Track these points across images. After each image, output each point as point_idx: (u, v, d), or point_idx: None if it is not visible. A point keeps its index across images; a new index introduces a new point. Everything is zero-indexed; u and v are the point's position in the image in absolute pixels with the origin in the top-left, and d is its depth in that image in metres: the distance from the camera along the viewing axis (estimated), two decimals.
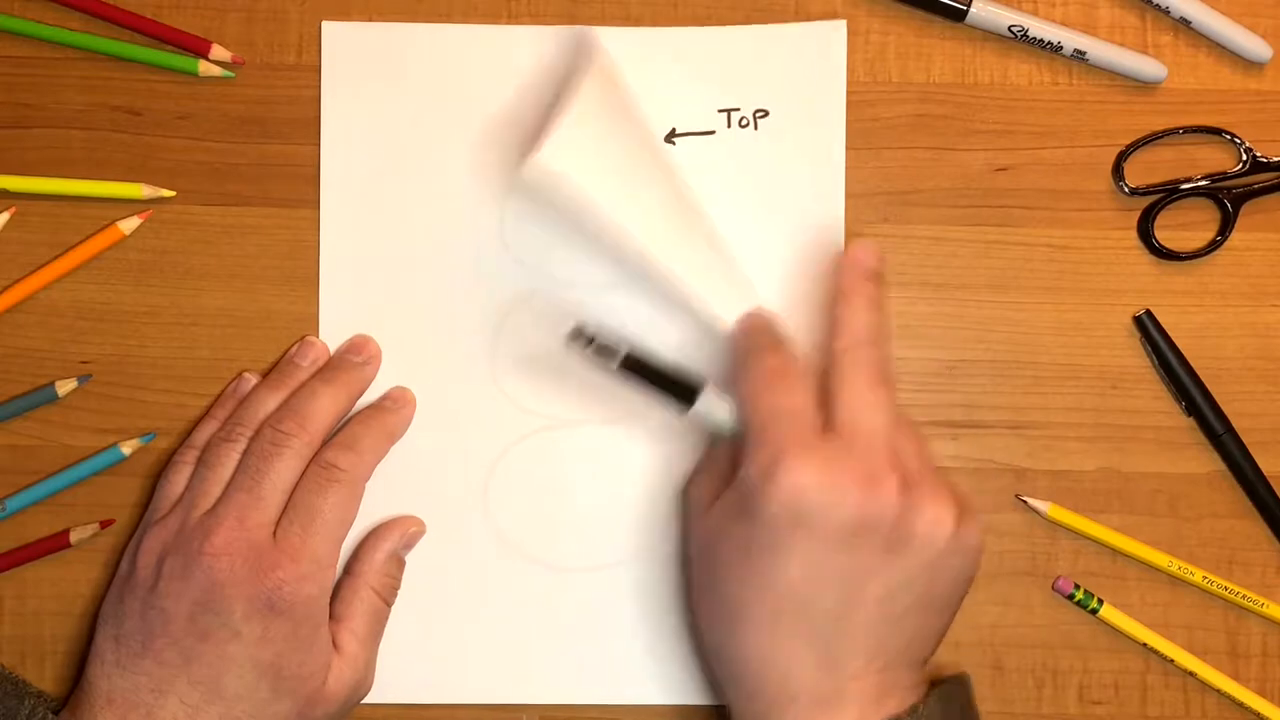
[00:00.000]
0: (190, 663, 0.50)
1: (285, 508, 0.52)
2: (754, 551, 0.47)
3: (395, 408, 0.56)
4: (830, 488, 0.46)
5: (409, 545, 0.55)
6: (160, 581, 0.51)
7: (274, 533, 0.52)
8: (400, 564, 0.55)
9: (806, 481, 0.46)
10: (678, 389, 0.51)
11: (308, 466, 0.53)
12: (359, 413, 0.55)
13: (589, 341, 0.51)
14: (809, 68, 0.57)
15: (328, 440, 0.54)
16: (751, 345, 0.51)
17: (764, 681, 0.48)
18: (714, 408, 0.51)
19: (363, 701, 0.55)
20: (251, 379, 0.56)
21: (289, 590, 0.50)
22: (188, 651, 0.50)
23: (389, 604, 0.55)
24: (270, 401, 0.54)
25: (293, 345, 0.56)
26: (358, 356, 0.56)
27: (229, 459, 0.53)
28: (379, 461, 0.55)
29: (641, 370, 0.51)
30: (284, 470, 0.52)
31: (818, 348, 0.53)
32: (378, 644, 0.55)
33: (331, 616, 0.53)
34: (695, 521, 0.52)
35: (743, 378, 0.50)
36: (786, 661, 0.47)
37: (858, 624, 0.47)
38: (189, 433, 0.56)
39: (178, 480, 0.54)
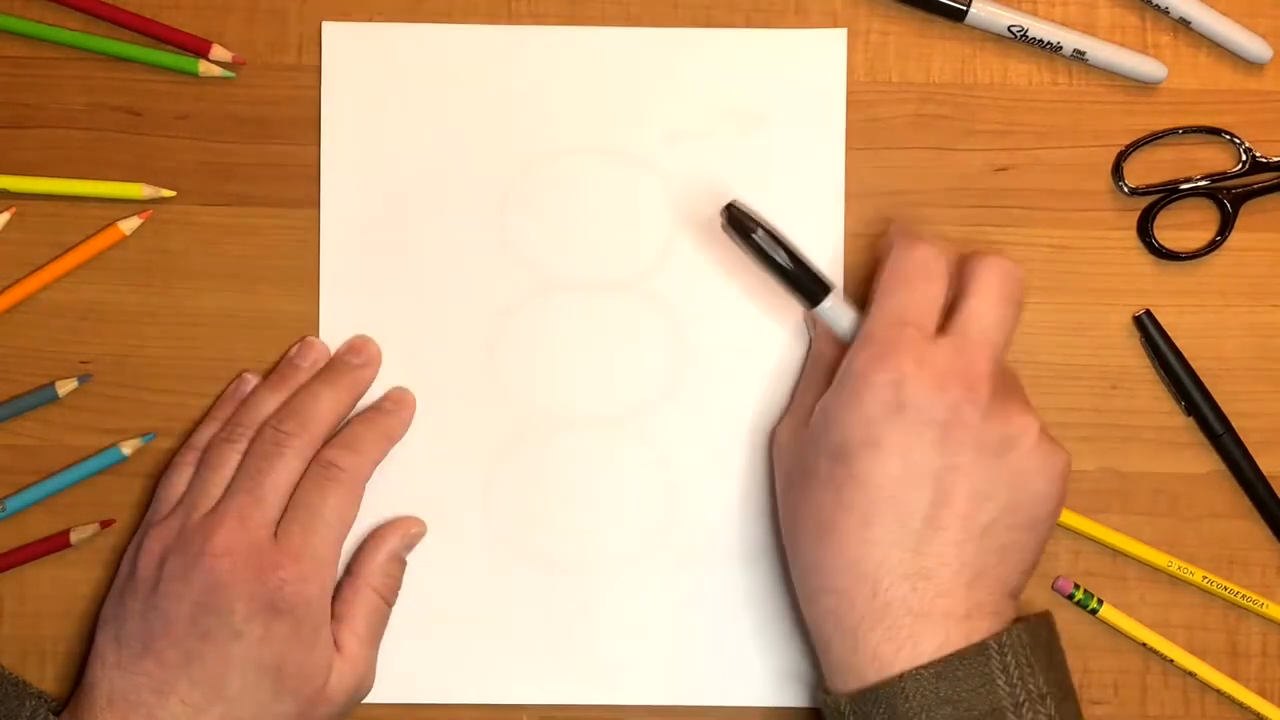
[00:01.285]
0: (192, 663, 0.50)
1: (286, 508, 0.52)
2: (850, 450, 0.48)
3: (395, 409, 0.56)
4: (930, 385, 0.47)
5: (410, 545, 0.55)
6: (161, 583, 0.51)
7: (275, 533, 0.52)
8: (401, 564, 0.55)
9: (911, 372, 0.47)
10: (809, 282, 0.52)
11: (308, 466, 0.53)
12: (360, 413, 0.55)
13: (735, 219, 0.52)
14: (809, 73, 0.57)
15: (328, 440, 0.54)
16: (902, 242, 0.52)
17: (854, 593, 0.47)
18: (840, 312, 0.52)
19: (363, 701, 0.55)
20: (252, 379, 0.56)
21: (290, 590, 0.50)
22: (189, 652, 0.50)
23: (390, 604, 0.55)
24: (271, 402, 0.54)
25: (293, 346, 0.56)
26: (357, 358, 0.56)
27: (230, 460, 0.53)
28: (379, 461, 0.55)
29: (779, 252, 0.52)
30: (285, 471, 0.52)
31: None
32: (378, 644, 0.54)
33: (332, 617, 0.53)
34: (784, 451, 0.52)
35: (886, 268, 0.51)
36: (877, 570, 0.47)
37: (948, 531, 0.47)
38: (190, 433, 0.56)
39: (178, 481, 0.54)
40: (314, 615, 0.51)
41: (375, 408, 0.56)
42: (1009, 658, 0.47)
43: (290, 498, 0.52)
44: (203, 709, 0.50)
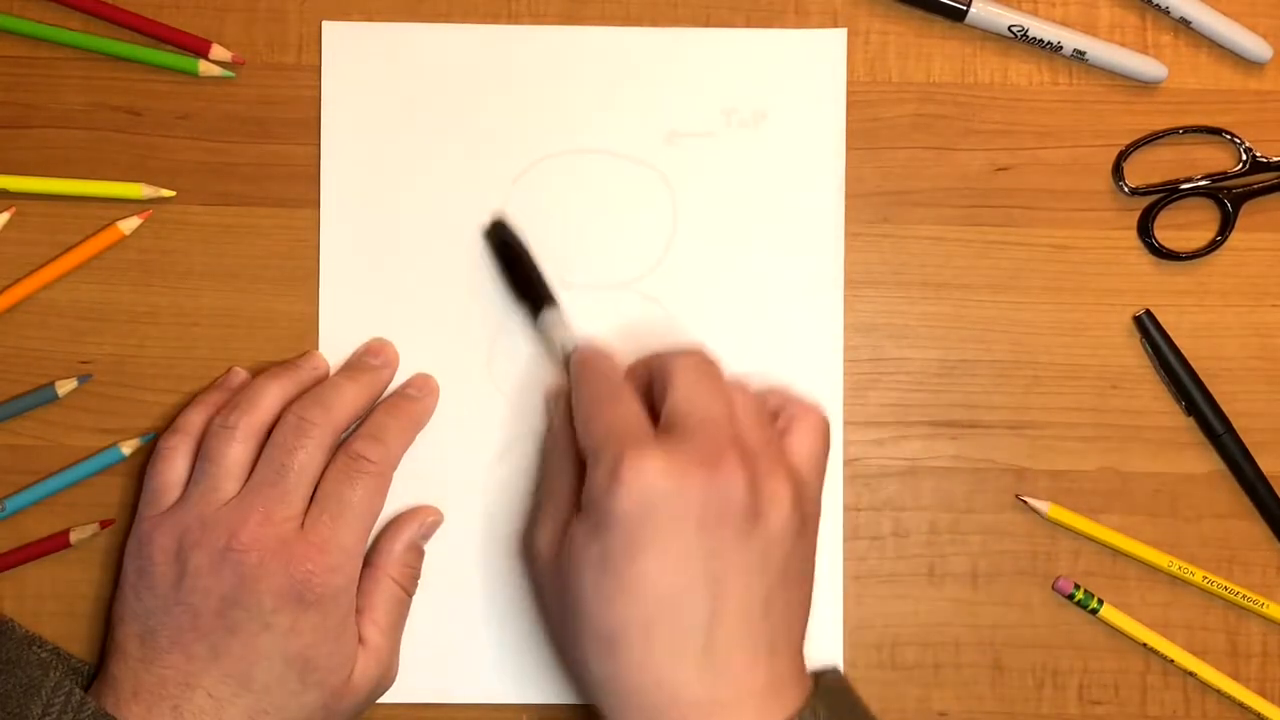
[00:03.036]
0: (220, 657, 0.50)
1: (312, 499, 0.52)
2: (613, 562, 0.46)
3: (420, 395, 0.56)
4: (675, 474, 0.46)
5: (428, 535, 0.55)
6: (186, 577, 0.50)
7: (301, 524, 0.51)
8: (420, 553, 0.55)
9: (651, 473, 0.46)
10: (534, 294, 0.54)
11: (335, 458, 0.53)
12: (384, 402, 0.55)
13: (495, 228, 0.55)
14: (809, 73, 0.57)
15: (351, 432, 0.54)
16: (579, 376, 0.51)
17: (653, 705, 0.46)
18: (558, 328, 0.53)
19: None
20: (243, 373, 0.56)
21: (318, 582, 0.50)
22: (217, 646, 0.50)
23: (410, 594, 0.55)
24: (272, 390, 0.54)
25: (296, 358, 0.56)
26: (375, 359, 0.56)
27: (232, 449, 0.52)
28: (405, 451, 0.55)
29: (509, 258, 0.54)
30: (308, 462, 0.52)
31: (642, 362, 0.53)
32: (400, 635, 0.54)
33: None
34: (544, 566, 0.50)
35: (576, 407, 0.50)
36: (671, 676, 0.46)
37: (730, 618, 0.46)
38: (173, 418, 0.55)
39: (169, 470, 0.53)
40: (341, 606, 0.51)
41: (400, 394, 0.56)
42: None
43: (316, 488, 0.52)
44: (230, 701, 0.50)
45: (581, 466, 0.49)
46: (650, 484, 0.46)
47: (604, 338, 0.56)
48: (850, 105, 0.57)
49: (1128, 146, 0.57)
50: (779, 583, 0.47)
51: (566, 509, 0.50)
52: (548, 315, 0.54)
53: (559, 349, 0.54)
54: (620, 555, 0.46)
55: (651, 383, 0.50)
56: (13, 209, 0.56)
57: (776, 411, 0.51)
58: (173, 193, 0.56)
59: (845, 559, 0.56)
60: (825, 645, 0.56)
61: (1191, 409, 0.56)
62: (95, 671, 0.53)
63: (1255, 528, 0.57)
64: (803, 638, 0.49)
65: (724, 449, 0.47)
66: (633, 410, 0.49)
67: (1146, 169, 0.57)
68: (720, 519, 0.46)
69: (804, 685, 0.48)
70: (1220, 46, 0.57)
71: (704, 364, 0.50)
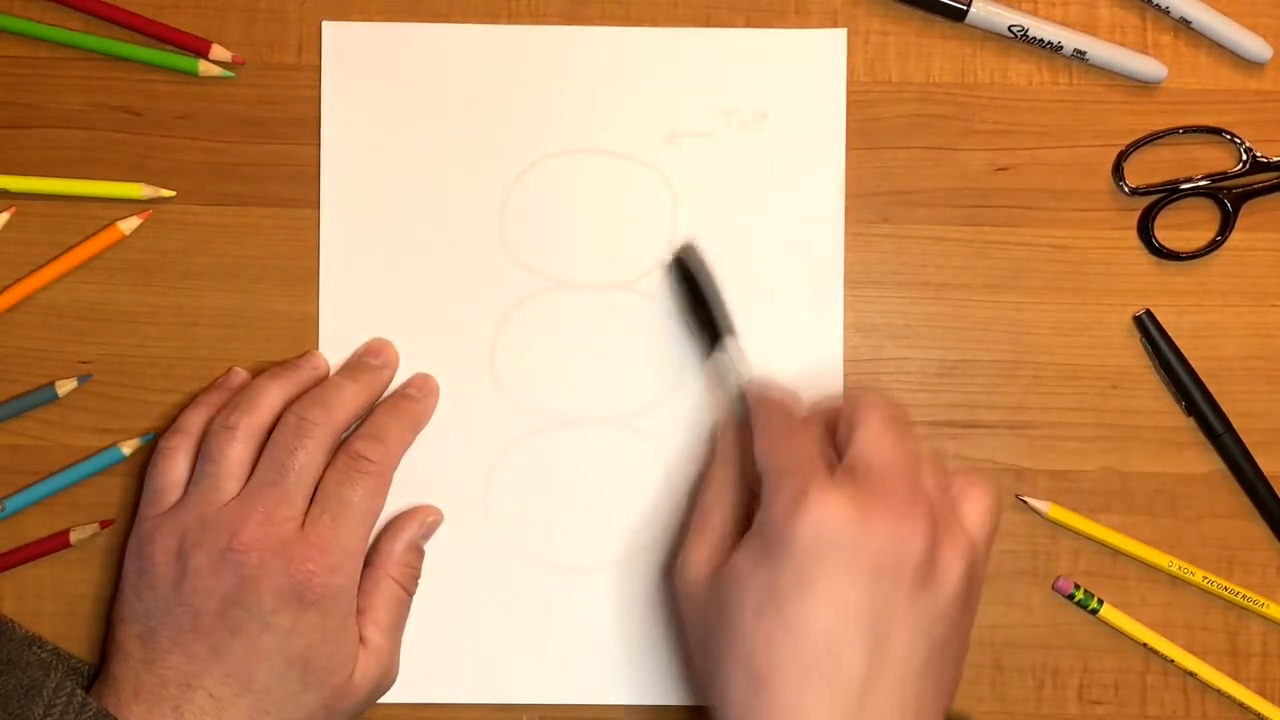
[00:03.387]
0: (220, 657, 0.50)
1: (313, 499, 0.52)
2: (781, 595, 0.45)
3: (420, 395, 0.56)
4: (861, 517, 0.45)
5: (428, 534, 0.55)
6: (187, 578, 0.50)
7: (302, 524, 0.51)
8: (420, 553, 0.55)
9: (835, 508, 0.45)
10: (714, 325, 0.54)
11: (336, 458, 0.53)
12: (384, 402, 0.55)
13: (682, 257, 0.55)
14: (809, 73, 0.57)
15: (351, 432, 0.54)
16: (762, 405, 0.51)
17: None
18: (735, 360, 0.53)
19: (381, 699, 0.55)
20: (243, 373, 0.56)
21: (319, 582, 0.50)
22: (218, 646, 0.50)
23: (410, 594, 0.55)
24: (273, 390, 0.54)
25: (296, 359, 0.56)
26: (375, 359, 0.56)
27: (233, 449, 0.52)
28: (405, 451, 0.55)
29: (693, 286, 0.54)
30: (309, 462, 0.52)
31: (828, 400, 0.52)
32: (401, 635, 0.54)
33: None
34: (696, 588, 0.49)
35: (758, 436, 0.49)
36: None
37: (888, 677, 0.45)
38: (174, 418, 0.55)
39: (170, 470, 0.53)
40: (341, 607, 0.51)
41: (400, 394, 0.56)
42: None
43: (316, 488, 0.52)
44: (230, 701, 0.50)
45: (746, 499, 0.49)
46: (834, 519, 0.45)
47: (604, 338, 0.56)
48: (850, 105, 0.57)
49: (1128, 146, 0.57)
50: (939, 650, 0.46)
51: (723, 536, 0.49)
52: (726, 349, 0.54)
53: (732, 383, 0.53)
54: (790, 590, 0.45)
55: (835, 425, 0.49)
56: (13, 209, 0.56)
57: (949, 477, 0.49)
58: (173, 193, 0.56)
59: None
60: None
61: (1191, 409, 0.56)
62: (95, 672, 0.53)
63: (1255, 528, 0.57)
64: (951, 699, 0.48)
65: (909, 502, 0.46)
66: (817, 444, 0.48)
67: (1146, 169, 0.57)
68: (896, 573, 0.45)
69: None
70: (1220, 46, 0.57)
71: (894, 412, 0.48)
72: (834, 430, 0.49)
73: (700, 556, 0.50)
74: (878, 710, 0.45)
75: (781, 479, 0.47)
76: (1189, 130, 0.57)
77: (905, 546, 0.45)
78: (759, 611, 0.45)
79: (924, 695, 0.46)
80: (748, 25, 0.57)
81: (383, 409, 0.55)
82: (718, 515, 0.51)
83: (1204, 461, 0.57)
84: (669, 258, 0.56)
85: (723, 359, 0.54)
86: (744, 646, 0.46)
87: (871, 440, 0.47)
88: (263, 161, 0.57)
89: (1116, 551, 0.56)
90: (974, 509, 0.48)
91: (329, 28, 0.57)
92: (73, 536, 0.56)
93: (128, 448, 0.56)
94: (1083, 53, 0.56)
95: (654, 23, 0.57)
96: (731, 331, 0.54)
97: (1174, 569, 0.56)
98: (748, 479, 0.51)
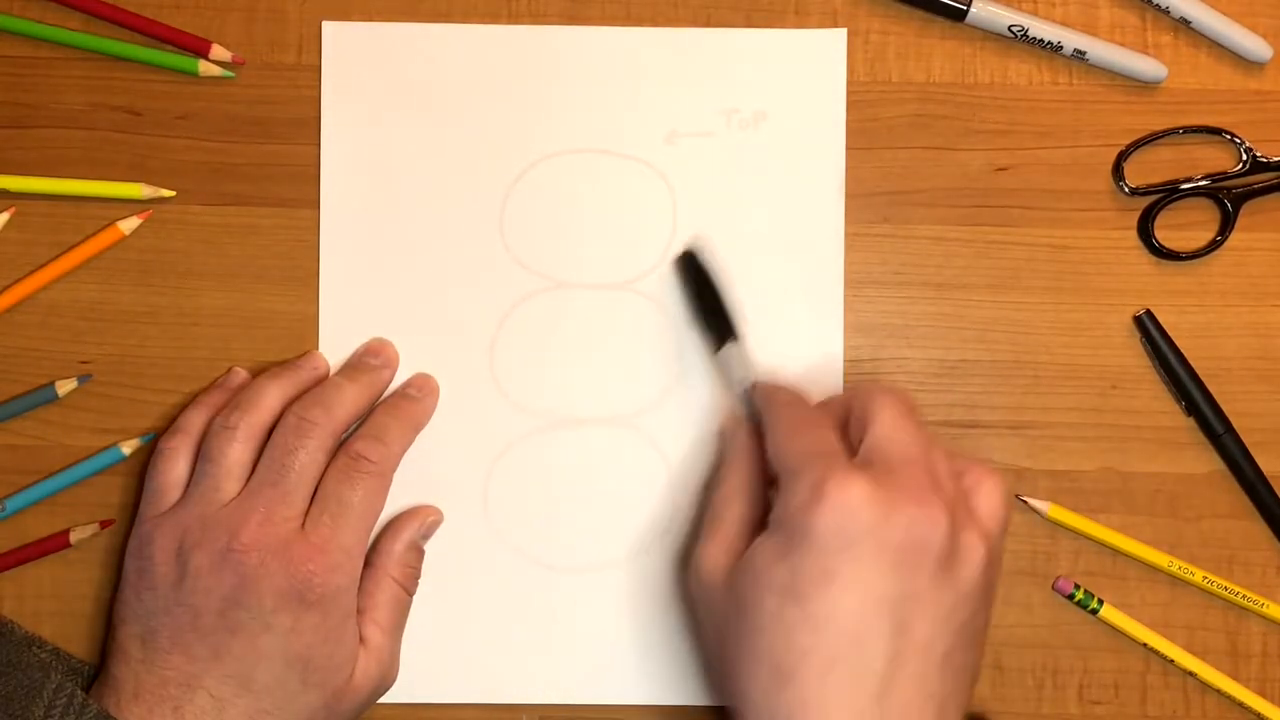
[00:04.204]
0: (220, 657, 0.50)
1: (313, 499, 0.52)
2: (802, 588, 0.44)
3: (420, 395, 0.56)
4: (881, 502, 0.45)
5: (428, 534, 0.55)
6: (187, 578, 0.50)
7: (302, 524, 0.51)
8: (420, 553, 0.55)
9: (857, 496, 0.45)
10: (721, 325, 0.54)
11: (336, 458, 0.53)
12: (384, 402, 0.55)
13: (690, 255, 0.56)
14: (809, 73, 0.57)
15: (351, 432, 0.54)
16: (772, 403, 0.51)
17: None
18: (741, 361, 0.53)
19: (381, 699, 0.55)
20: (243, 373, 0.56)
21: (319, 582, 0.50)
22: (218, 646, 0.50)
23: (410, 594, 0.55)
24: (273, 391, 0.54)
25: (296, 359, 0.56)
26: (375, 359, 0.56)
27: (233, 449, 0.52)
28: (405, 451, 0.55)
29: (700, 285, 0.55)
30: (309, 463, 0.52)
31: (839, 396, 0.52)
32: (401, 635, 0.54)
33: None
34: (711, 586, 0.48)
35: (770, 431, 0.49)
36: (840, 717, 0.44)
37: (910, 667, 0.45)
38: (174, 418, 0.55)
39: (170, 470, 0.53)
40: (341, 607, 0.51)
41: (400, 394, 0.56)
42: None
43: (316, 488, 0.52)
44: (230, 701, 0.50)
45: (758, 498, 0.49)
46: (856, 506, 0.45)
47: (604, 338, 0.56)
48: (850, 105, 0.57)
49: (1128, 146, 0.57)
50: (958, 641, 0.46)
51: (737, 534, 0.49)
52: (732, 348, 0.54)
53: (739, 382, 0.53)
54: (811, 580, 0.45)
55: (847, 418, 0.49)
56: (13, 209, 0.56)
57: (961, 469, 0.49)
58: (173, 193, 0.56)
59: None
60: None
61: (1191, 409, 0.56)
62: (95, 672, 0.53)
63: (1255, 528, 0.57)
64: (969, 699, 0.47)
65: (928, 489, 0.46)
66: (832, 436, 0.48)
67: (1146, 169, 0.57)
68: (918, 560, 0.45)
69: None
70: (1220, 46, 0.57)
71: (906, 403, 0.49)
72: (845, 424, 0.49)
73: (714, 555, 0.49)
74: (901, 702, 0.44)
75: (799, 470, 0.46)
76: (1189, 130, 0.57)
77: (927, 533, 0.45)
78: (780, 605, 0.45)
79: (945, 689, 0.45)
80: (748, 25, 0.57)
81: (383, 409, 0.55)
82: (730, 514, 0.50)
83: (1204, 461, 0.57)
84: (678, 252, 0.56)
85: (729, 358, 0.54)
86: (765, 641, 0.45)
87: (887, 431, 0.47)
88: (263, 161, 0.57)
89: (1116, 551, 0.56)
90: (988, 501, 0.48)
91: (329, 28, 0.57)
92: (73, 536, 0.56)
93: (128, 448, 0.56)
94: (1083, 53, 0.56)
95: (654, 23, 0.57)
96: (739, 331, 0.54)
97: (1174, 569, 0.56)
98: (759, 478, 0.51)
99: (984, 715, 0.50)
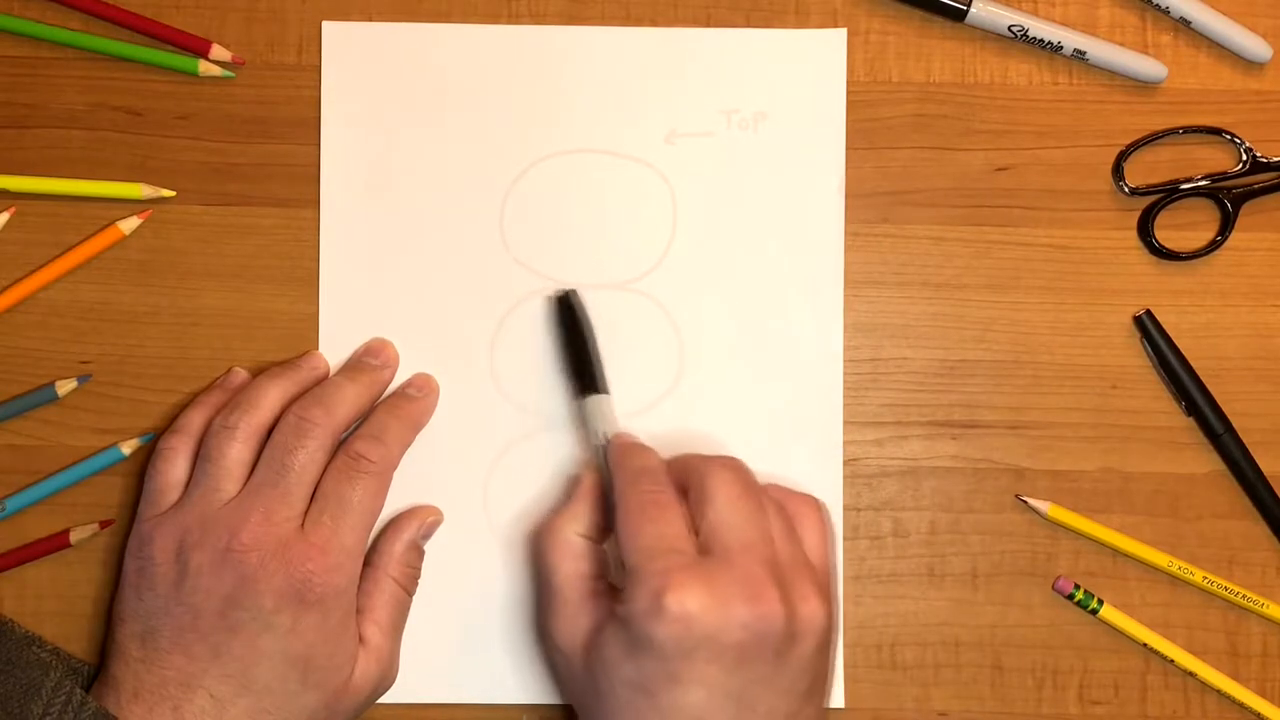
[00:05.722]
0: (220, 657, 0.50)
1: (313, 499, 0.52)
2: (650, 685, 0.47)
3: (420, 395, 0.56)
4: (718, 608, 0.46)
5: (428, 534, 0.55)
6: (187, 578, 0.50)
7: (301, 524, 0.51)
8: (420, 553, 0.55)
9: (693, 608, 0.46)
10: (586, 377, 0.54)
11: (335, 458, 0.53)
12: (384, 402, 0.55)
13: (566, 298, 0.55)
14: (809, 73, 0.57)
15: (351, 432, 0.54)
16: (624, 472, 0.51)
17: None
18: (599, 415, 0.54)
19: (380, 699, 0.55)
20: (243, 373, 0.56)
21: (319, 582, 0.50)
22: (218, 646, 0.50)
23: (410, 594, 0.55)
24: (273, 390, 0.54)
25: (296, 359, 0.56)
26: (375, 359, 0.56)
27: (233, 449, 0.52)
28: (405, 451, 0.55)
29: (572, 333, 0.55)
30: (309, 462, 0.52)
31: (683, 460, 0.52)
32: (401, 635, 0.54)
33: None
34: (570, 661, 0.50)
35: (618, 506, 0.50)
36: None
37: None
38: (174, 418, 0.55)
39: (170, 470, 0.53)
40: (341, 606, 0.51)
41: (400, 394, 0.56)
42: None
43: (316, 487, 0.52)
44: (230, 701, 0.50)
45: (593, 557, 0.51)
46: (693, 619, 0.46)
47: (603, 337, 0.56)
48: (850, 105, 0.57)
49: (1128, 146, 0.57)
50: (803, 699, 0.48)
51: (580, 600, 0.50)
52: (593, 401, 0.54)
53: (596, 437, 0.54)
54: (657, 681, 0.47)
55: (686, 488, 0.50)
56: (13, 209, 0.56)
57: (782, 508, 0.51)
58: (173, 193, 0.56)
59: (845, 559, 0.56)
60: None
61: (1191, 409, 0.56)
62: (95, 672, 0.53)
63: (1255, 528, 0.57)
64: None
65: (764, 580, 0.47)
66: (676, 527, 0.49)
67: (1146, 169, 0.57)
68: (758, 653, 0.47)
69: None
70: (1220, 46, 0.57)
71: (741, 477, 0.50)
72: (683, 489, 0.50)
73: (564, 630, 0.50)
74: None
75: (641, 571, 0.47)
76: (1189, 130, 0.57)
77: (765, 629, 0.47)
78: (632, 696, 0.47)
79: None
80: (748, 25, 0.57)
81: (383, 409, 0.55)
82: (567, 575, 0.51)
83: (1204, 461, 0.57)
84: (555, 293, 0.56)
85: (590, 408, 0.54)
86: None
87: (724, 515, 0.49)
88: (263, 161, 0.57)
89: (1116, 551, 0.56)
90: (811, 534, 0.51)
91: (329, 28, 0.57)
92: (73, 536, 0.56)
93: (128, 448, 0.56)
94: (1083, 53, 0.56)
95: (654, 23, 0.57)
96: (602, 388, 0.55)
97: (1174, 569, 0.56)
98: (598, 531, 0.52)
99: None
